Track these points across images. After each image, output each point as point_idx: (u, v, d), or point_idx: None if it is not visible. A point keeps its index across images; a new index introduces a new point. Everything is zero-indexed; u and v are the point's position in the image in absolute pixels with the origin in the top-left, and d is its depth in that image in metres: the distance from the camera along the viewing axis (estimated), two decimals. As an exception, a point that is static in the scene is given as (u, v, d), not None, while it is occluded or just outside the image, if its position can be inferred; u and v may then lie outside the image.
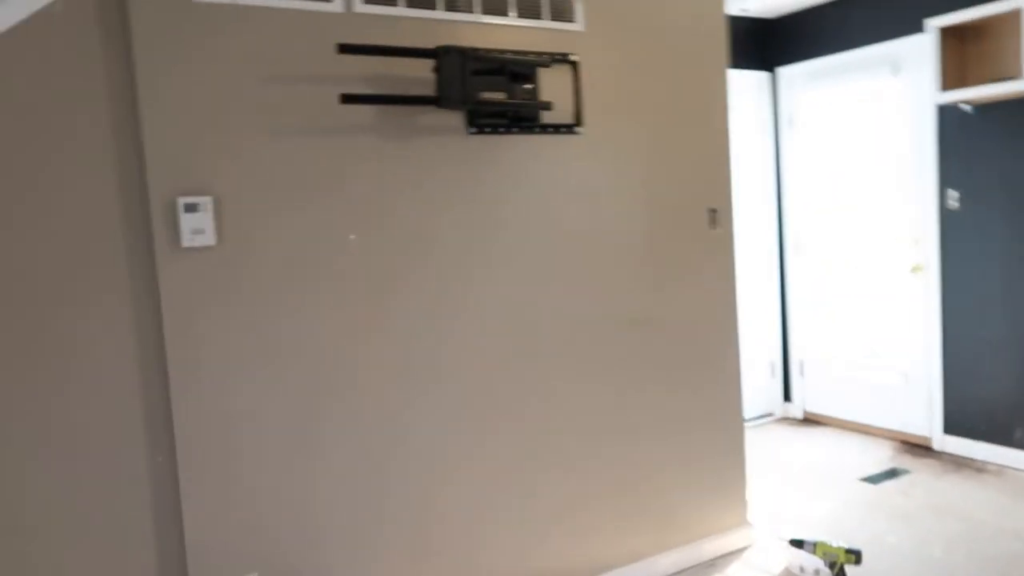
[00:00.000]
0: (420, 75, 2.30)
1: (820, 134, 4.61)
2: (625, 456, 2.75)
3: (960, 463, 3.94)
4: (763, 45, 4.80)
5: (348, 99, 2.15)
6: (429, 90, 2.30)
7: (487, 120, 2.44)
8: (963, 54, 3.76)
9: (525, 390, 2.55)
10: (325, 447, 2.22)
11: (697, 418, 2.93)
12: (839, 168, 4.53)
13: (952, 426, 4.08)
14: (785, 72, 4.75)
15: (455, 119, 2.39)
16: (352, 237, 2.24)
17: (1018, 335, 3.76)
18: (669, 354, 2.85)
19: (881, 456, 4.11)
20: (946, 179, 3.97)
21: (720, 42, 2.94)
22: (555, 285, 2.60)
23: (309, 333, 2.19)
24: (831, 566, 2.58)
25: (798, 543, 2.69)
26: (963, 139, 3.88)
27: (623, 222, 2.74)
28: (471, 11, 2.42)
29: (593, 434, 2.68)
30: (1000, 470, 3.81)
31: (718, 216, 2.94)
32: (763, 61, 4.80)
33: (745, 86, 4.70)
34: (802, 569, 2.80)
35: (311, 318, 2.19)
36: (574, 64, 2.59)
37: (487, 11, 2.44)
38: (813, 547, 2.63)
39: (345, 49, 2.15)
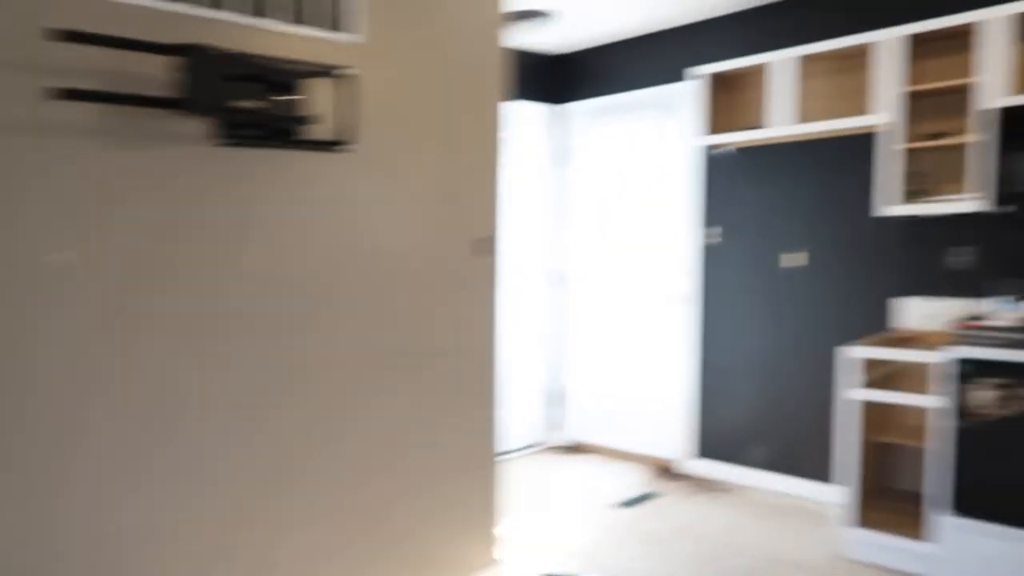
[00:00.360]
0: (158, 75, 2.03)
1: (600, 169, 4.83)
2: (362, 498, 2.56)
3: (707, 485, 4.25)
4: (552, 80, 4.94)
5: (69, 95, 1.83)
6: (171, 93, 2.03)
7: (241, 131, 2.21)
8: (727, 102, 4.10)
9: (266, 436, 2.32)
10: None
11: (446, 452, 2.81)
12: (615, 203, 4.76)
13: (704, 449, 4.40)
14: (571, 108, 4.93)
15: (201, 127, 2.14)
16: (57, 257, 1.90)
17: (757, 361, 4.14)
18: (426, 385, 2.74)
19: (638, 481, 4.33)
20: (710, 216, 4.30)
21: (498, 73, 2.93)
22: (308, 315, 2.40)
23: None
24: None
25: (551, 579, 2.70)
26: (724, 179, 4.23)
27: (390, 247, 2.61)
28: (234, 11, 2.18)
29: (329, 474, 2.48)
30: (737, 488, 4.15)
31: (485, 244, 2.92)
32: (552, 95, 4.95)
33: (532, 118, 4.81)
34: (557, 603, 2.82)
35: None
36: (350, 78, 2.43)
37: (256, 13, 2.22)
38: (566, 582, 2.65)
39: (70, 37, 1.83)
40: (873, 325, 3.69)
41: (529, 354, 4.92)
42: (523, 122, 4.72)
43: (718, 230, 4.26)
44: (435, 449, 2.77)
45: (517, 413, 4.88)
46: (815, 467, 3.94)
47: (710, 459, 4.36)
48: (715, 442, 4.34)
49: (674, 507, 3.89)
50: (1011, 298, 3.01)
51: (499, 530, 3.05)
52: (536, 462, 4.71)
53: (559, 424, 5.06)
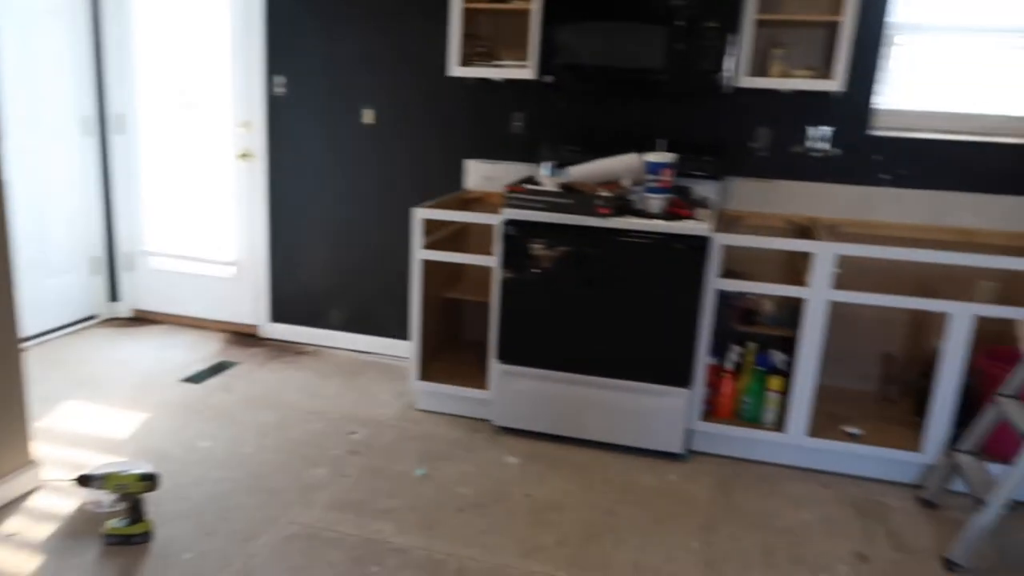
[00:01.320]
0: None
1: (156, 12, 4.04)
2: None
3: (284, 348, 4.13)
4: None
5: None
6: None
7: None
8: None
9: None
10: None
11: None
12: (173, 49, 4.07)
13: (279, 314, 4.23)
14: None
15: None
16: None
17: (334, 220, 4.02)
18: None
19: (210, 351, 4.03)
20: (274, 64, 3.90)
21: None
22: None
23: None
24: (124, 499, 2.32)
25: (86, 480, 2.35)
26: (289, 24, 3.84)
27: None
28: None
29: None
30: (317, 351, 4.11)
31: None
32: None
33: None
34: (99, 504, 2.48)
35: None
36: None
37: None
38: (103, 481, 2.33)
39: None
40: (447, 185, 3.79)
41: (74, 216, 4.14)
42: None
43: (283, 79, 3.91)
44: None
45: (64, 284, 4.14)
46: (394, 325, 4.04)
47: (289, 323, 4.23)
48: (293, 305, 4.20)
49: (248, 376, 3.71)
50: (553, 163, 3.27)
51: (35, 425, 2.56)
52: (90, 339, 4.10)
53: (118, 294, 4.44)
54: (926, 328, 3.24)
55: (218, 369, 3.78)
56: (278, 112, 3.96)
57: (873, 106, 3.18)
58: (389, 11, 3.67)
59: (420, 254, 3.20)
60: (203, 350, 4.03)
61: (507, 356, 3.13)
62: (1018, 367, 2.53)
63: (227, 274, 4.27)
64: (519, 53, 3.39)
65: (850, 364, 3.35)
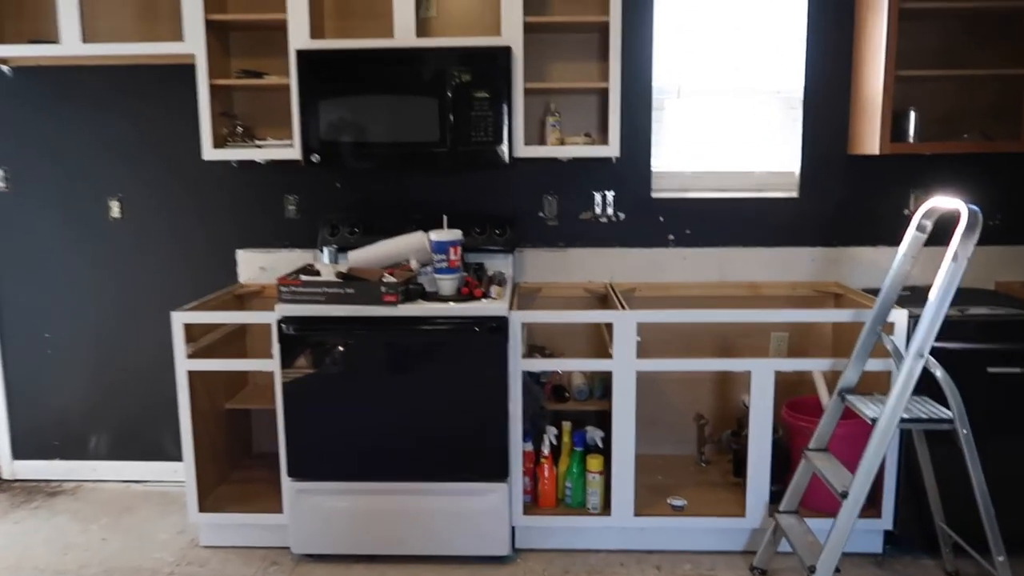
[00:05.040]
0: None
1: None
2: None
3: (34, 490, 3.41)
4: None
5: None
6: None
7: None
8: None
9: None
10: None
11: None
12: None
13: (23, 448, 3.52)
14: None
15: None
16: None
17: (85, 329, 3.41)
18: None
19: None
20: (-10, 158, 3.31)
21: None
22: None
23: None
24: None
25: None
26: (6, 109, 3.28)
27: None
28: None
29: None
30: (77, 488, 3.44)
31: None
32: None
33: None
34: None
35: None
36: None
37: None
38: None
39: None
40: (218, 280, 3.34)
41: None
42: None
43: (1, 172, 3.33)
44: None
45: None
46: (171, 445, 3.48)
47: (37, 458, 3.52)
48: (41, 436, 3.51)
49: (-23, 538, 2.99)
50: (333, 248, 2.97)
51: None
52: None
53: None
54: (731, 383, 3.24)
55: (-63, 534, 3.02)
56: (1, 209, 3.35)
57: (651, 169, 3.19)
58: (130, 90, 3.23)
59: (183, 364, 2.74)
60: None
61: (300, 471, 2.73)
62: (822, 420, 2.53)
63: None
64: (283, 132, 3.09)
65: (664, 429, 3.28)
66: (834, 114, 3.11)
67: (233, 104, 3.15)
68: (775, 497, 2.72)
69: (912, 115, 2.91)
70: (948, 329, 2.37)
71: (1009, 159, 3.10)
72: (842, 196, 3.17)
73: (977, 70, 2.85)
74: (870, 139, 2.90)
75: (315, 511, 2.74)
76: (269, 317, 2.68)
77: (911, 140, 2.92)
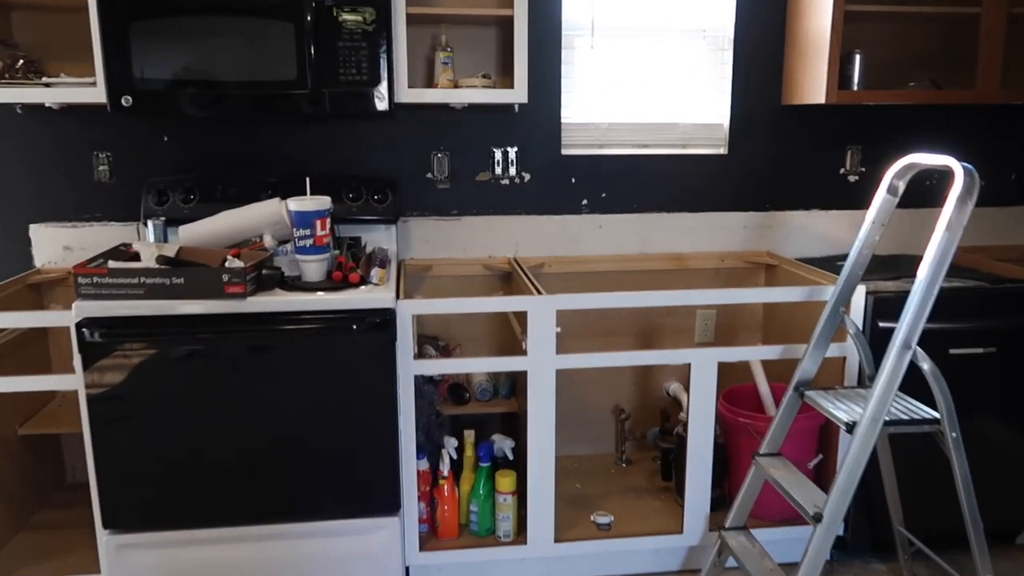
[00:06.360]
0: None
1: None
2: None
3: None
4: None
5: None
6: None
7: None
8: None
9: None
10: None
11: None
12: None
13: None
14: None
15: None
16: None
17: None
18: None
19: None
20: None
21: None
22: None
23: None
24: None
25: None
26: None
27: None
28: None
29: None
30: None
31: None
32: None
33: None
34: None
35: None
36: None
37: None
38: None
39: None
40: (5, 265, 2.55)
41: None
42: None
43: None
44: None
45: None
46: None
47: None
48: None
49: None
50: (161, 222, 2.26)
51: None
52: None
53: None
54: (653, 370, 2.82)
55: None
56: None
57: (562, 120, 2.67)
58: None
59: (-55, 387, 1.99)
60: None
61: (119, 521, 2.06)
62: (775, 421, 2.13)
63: None
64: (84, 68, 2.33)
65: (578, 426, 2.82)
66: (769, 58, 2.69)
67: (11, 29, 2.35)
68: (715, 504, 2.33)
69: (857, 59, 2.53)
70: (897, 306, 2.03)
71: (959, 111, 2.80)
72: (774, 152, 2.78)
73: (931, 7, 2.49)
74: (811, 86, 2.50)
75: (143, 570, 2.08)
76: (62, 318, 1.97)
77: (855, 88, 2.55)
